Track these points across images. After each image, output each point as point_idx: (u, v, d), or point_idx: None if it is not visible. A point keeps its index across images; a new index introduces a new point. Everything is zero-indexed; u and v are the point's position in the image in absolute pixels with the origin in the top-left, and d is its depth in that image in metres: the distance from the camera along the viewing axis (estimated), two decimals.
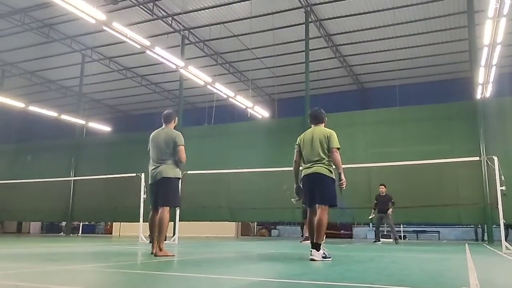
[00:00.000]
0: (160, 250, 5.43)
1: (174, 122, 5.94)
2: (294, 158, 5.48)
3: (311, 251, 5.07)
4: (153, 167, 5.70)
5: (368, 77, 22.42)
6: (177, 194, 5.70)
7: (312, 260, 4.94)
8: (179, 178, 5.69)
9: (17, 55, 20.53)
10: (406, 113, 14.33)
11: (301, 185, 5.41)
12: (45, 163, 19.79)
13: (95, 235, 20.40)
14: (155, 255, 5.40)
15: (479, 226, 15.26)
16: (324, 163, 5.21)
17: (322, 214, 5.04)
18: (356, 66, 21.12)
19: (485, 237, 14.97)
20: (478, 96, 14.26)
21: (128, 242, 10.70)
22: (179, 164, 5.64)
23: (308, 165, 5.29)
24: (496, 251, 7.99)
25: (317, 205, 5.18)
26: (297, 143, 5.50)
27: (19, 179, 17.58)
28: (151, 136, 5.89)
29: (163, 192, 5.58)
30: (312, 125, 5.53)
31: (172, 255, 5.53)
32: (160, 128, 5.88)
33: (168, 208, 5.57)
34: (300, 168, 5.47)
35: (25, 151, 21.06)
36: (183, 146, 5.62)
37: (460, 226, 16.45)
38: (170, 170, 5.60)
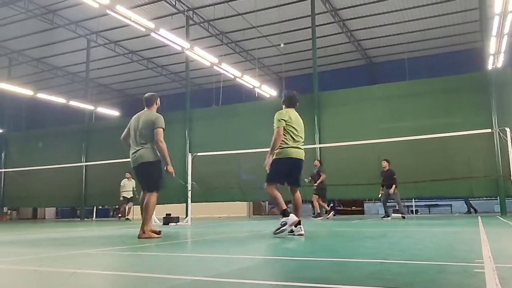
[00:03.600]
0: (144, 232, 5.37)
1: (156, 105, 5.76)
2: (280, 132, 5.30)
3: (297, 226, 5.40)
4: (133, 151, 5.59)
5: (377, 51, 22.04)
6: (159, 178, 5.51)
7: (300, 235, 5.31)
8: (159, 161, 5.49)
9: (23, 42, 20.55)
10: (416, 86, 14.11)
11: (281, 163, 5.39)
12: (56, 149, 19.98)
13: (109, 219, 20.71)
14: (138, 237, 5.36)
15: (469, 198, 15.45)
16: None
17: (299, 194, 5.47)
18: (364, 40, 20.75)
19: (470, 210, 15.32)
20: (490, 66, 14.00)
21: None
22: (157, 147, 5.44)
23: (296, 144, 5.37)
24: (509, 222, 7.95)
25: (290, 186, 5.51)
26: (285, 118, 5.35)
27: (32, 166, 17.79)
28: (131, 119, 5.78)
29: (146, 178, 5.49)
30: (289, 108, 5.53)
31: (158, 237, 5.44)
32: (141, 112, 5.75)
33: (156, 193, 5.48)
34: (286, 146, 5.33)
35: (36, 138, 21.25)
36: (161, 129, 5.42)
37: (472, 199, 16.35)
38: (149, 154, 5.45)
